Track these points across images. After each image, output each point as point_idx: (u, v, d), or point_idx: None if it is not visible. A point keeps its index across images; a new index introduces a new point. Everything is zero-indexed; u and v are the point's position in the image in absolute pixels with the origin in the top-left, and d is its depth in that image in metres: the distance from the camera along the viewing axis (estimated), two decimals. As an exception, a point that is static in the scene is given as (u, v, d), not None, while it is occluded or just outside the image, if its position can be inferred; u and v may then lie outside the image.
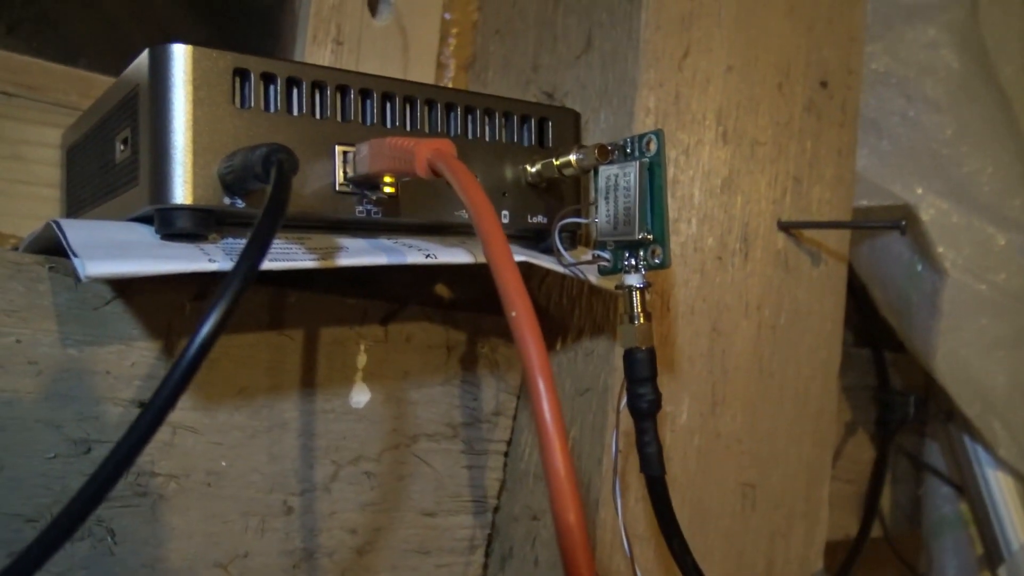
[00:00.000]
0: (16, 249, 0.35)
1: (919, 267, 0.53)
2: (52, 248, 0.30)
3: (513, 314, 0.20)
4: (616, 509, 0.31)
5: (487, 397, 0.41)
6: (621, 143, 0.30)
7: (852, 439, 0.59)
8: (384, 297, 0.38)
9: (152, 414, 0.21)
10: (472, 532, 0.41)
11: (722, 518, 0.41)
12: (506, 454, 0.42)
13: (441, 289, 0.45)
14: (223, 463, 0.34)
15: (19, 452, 0.30)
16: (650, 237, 0.29)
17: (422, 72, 0.48)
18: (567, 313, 0.40)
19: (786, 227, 0.43)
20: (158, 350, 0.33)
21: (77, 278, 0.26)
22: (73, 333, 0.31)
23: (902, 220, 0.40)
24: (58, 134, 0.37)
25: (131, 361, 0.32)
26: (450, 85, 0.49)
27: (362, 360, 0.37)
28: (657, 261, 0.29)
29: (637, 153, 0.29)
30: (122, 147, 0.28)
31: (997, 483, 0.54)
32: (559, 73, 0.43)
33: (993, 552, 0.55)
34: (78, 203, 0.34)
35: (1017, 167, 0.60)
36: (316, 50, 0.45)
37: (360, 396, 0.37)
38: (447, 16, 0.49)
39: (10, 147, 0.37)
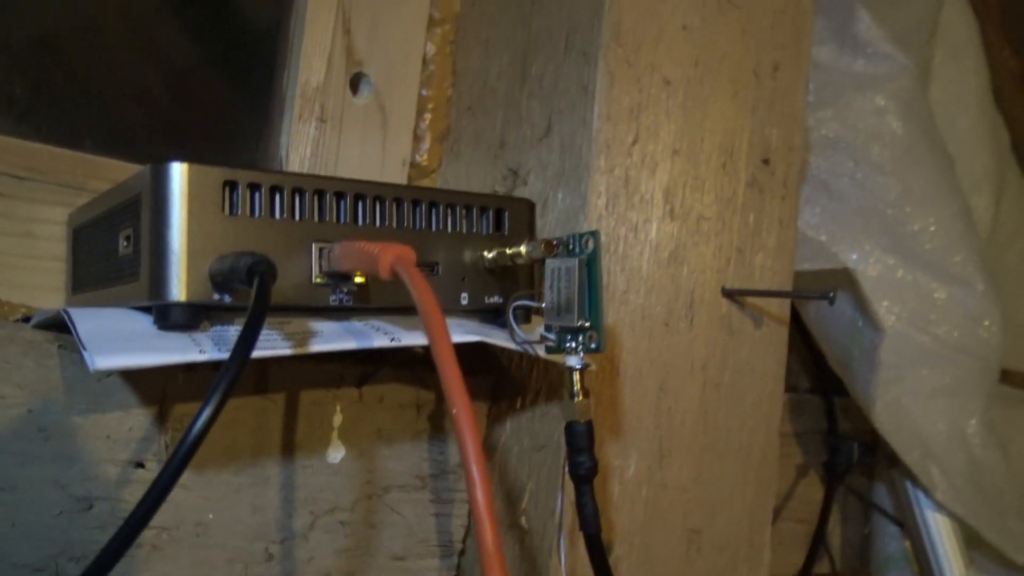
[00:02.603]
0: (27, 319, 0.39)
1: (860, 324, 0.57)
2: (59, 323, 0.34)
3: (454, 411, 0.24)
4: (560, 559, 0.35)
5: (453, 451, 0.45)
6: (565, 239, 0.34)
7: (803, 481, 0.63)
8: (360, 360, 0.42)
9: (157, 490, 0.24)
10: (439, 574, 0.45)
11: (669, 562, 0.45)
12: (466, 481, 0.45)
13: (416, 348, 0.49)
14: (210, 515, 0.38)
15: (29, 509, 0.34)
16: (587, 325, 0.33)
17: (399, 144, 0.53)
18: (527, 375, 0.44)
19: (730, 294, 0.47)
20: (153, 415, 0.36)
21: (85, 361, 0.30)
22: (78, 403, 0.35)
23: (832, 291, 0.44)
24: (65, 212, 0.41)
25: (128, 426, 0.36)
26: (425, 156, 0.53)
27: (338, 419, 0.41)
28: (593, 346, 0.33)
29: (578, 250, 0.33)
30: (125, 243, 0.32)
31: (936, 524, 0.58)
32: (523, 152, 0.47)
33: (931, 589, 0.59)
34: (82, 281, 0.38)
35: (958, 225, 0.65)
36: (302, 127, 0.49)
37: (336, 453, 0.41)
38: (424, 92, 0.53)
39: (22, 225, 0.41)
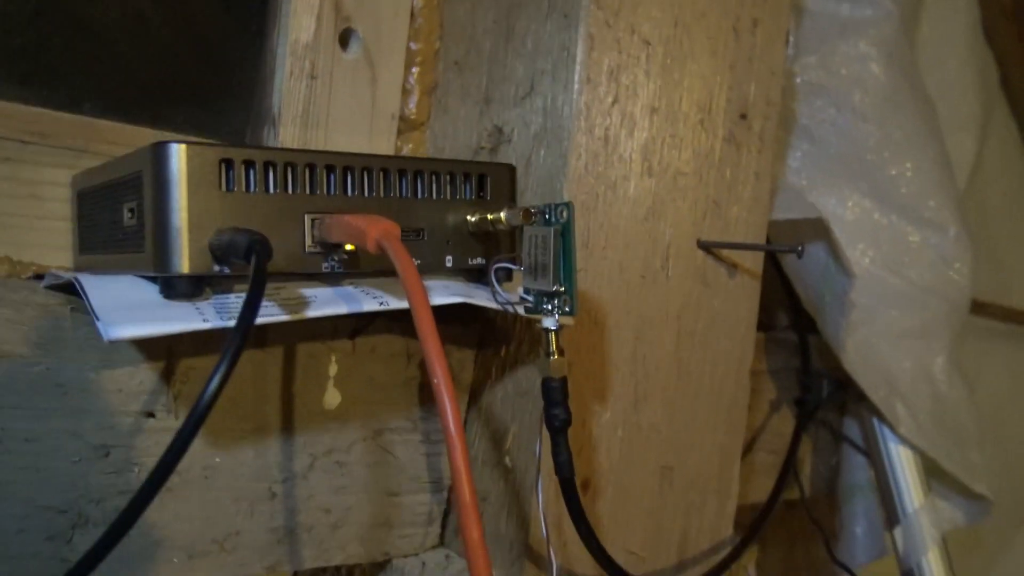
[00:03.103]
0: (37, 277, 0.41)
1: (832, 270, 0.60)
2: (69, 287, 0.36)
3: (435, 380, 0.27)
4: (539, 499, 0.39)
5: (442, 395, 0.48)
6: (542, 208, 0.36)
7: (776, 415, 0.66)
8: (353, 315, 0.45)
9: (175, 448, 0.27)
10: (429, 508, 0.48)
11: (643, 497, 0.49)
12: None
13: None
14: (217, 459, 0.41)
15: (51, 457, 0.37)
16: (562, 290, 0.35)
17: (388, 99, 0.54)
18: (511, 326, 0.47)
19: (705, 246, 0.50)
20: (161, 369, 0.39)
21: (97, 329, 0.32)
22: (91, 360, 0.37)
23: (800, 246, 0.46)
24: (68, 174, 0.43)
25: (139, 380, 0.39)
26: (414, 110, 0.55)
27: (333, 369, 0.44)
28: (567, 309, 0.35)
29: (553, 219, 0.36)
30: (129, 215, 0.34)
31: (898, 456, 0.62)
32: (507, 110, 0.49)
33: (892, 515, 0.63)
34: (89, 244, 0.40)
35: (935, 170, 0.67)
36: (293, 84, 0.51)
37: (332, 399, 0.44)
38: (412, 46, 0.55)
39: (28, 188, 0.43)
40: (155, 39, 0.48)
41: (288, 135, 0.51)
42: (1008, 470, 0.82)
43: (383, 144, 0.54)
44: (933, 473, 0.64)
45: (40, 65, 0.44)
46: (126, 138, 0.45)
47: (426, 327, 0.28)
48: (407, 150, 0.55)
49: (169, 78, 0.49)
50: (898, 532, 0.62)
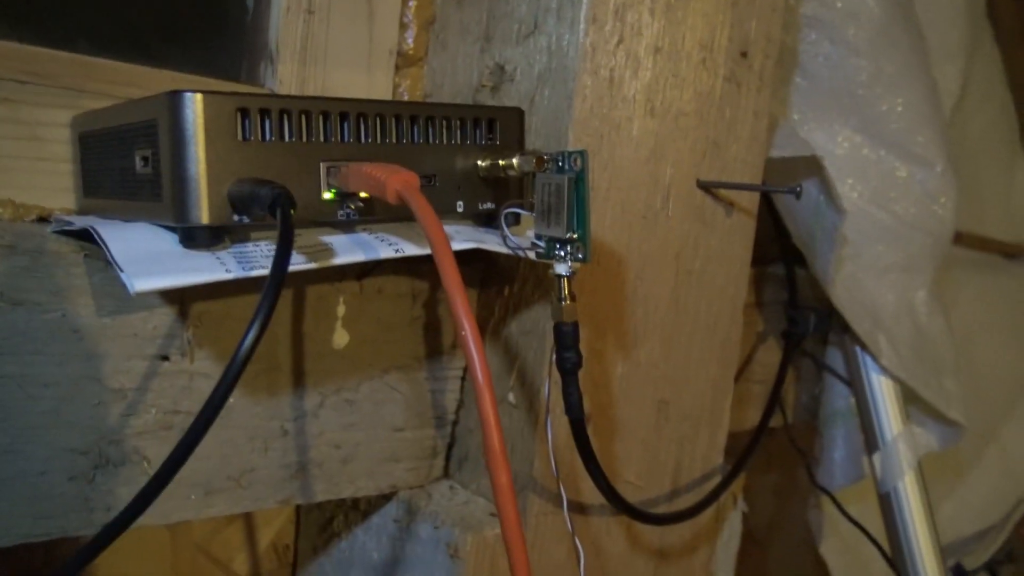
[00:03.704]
0: (41, 220, 0.41)
1: (824, 207, 0.61)
2: (79, 232, 0.36)
3: (463, 332, 0.28)
4: (548, 436, 0.40)
5: (446, 333, 0.49)
6: (555, 156, 0.37)
7: (763, 347, 0.68)
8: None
9: (216, 399, 0.28)
10: (435, 442, 0.50)
11: (639, 429, 0.51)
12: (463, 378, 0.50)
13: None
14: (231, 400, 0.42)
15: (71, 401, 0.38)
16: (575, 236, 0.36)
17: (386, 33, 0.53)
18: (514, 266, 0.48)
19: (704, 186, 0.50)
20: (175, 313, 0.40)
21: (119, 276, 0.32)
22: (106, 305, 0.38)
23: (798, 186, 0.47)
24: (68, 115, 0.43)
25: (153, 324, 0.39)
26: (412, 45, 0.54)
27: (341, 311, 0.45)
28: (580, 256, 0.36)
29: (567, 168, 0.36)
30: (142, 163, 0.34)
31: (879, 385, 0.65)
32: (509, 48, 0.48)
33: (871, 441, 0.65)
34: (96, 188, 0.40)
35: (924, 106, 0.67)
36: (290, 19, 0.50)
37: (340, 339, 0.45)
38: (409, -22, 0.53)
39: (28, 129, 0.42)
40: (149, -28, 0.47)
41: (286, 71, 0.50)
42: (978, 394, 0.85)
43: (381, 80, 0.53)
44: (910, 401, 0.66)
45: (32, 2, 0.43)
46: (125, 77, 0.44)
47: (452, 280, 0.28)
48: (405, 87, 0.54)
49: (164, 14, 0.48)
50: (877, 458, 0.64)
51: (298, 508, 0.60)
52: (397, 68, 0.54)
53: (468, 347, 0.28)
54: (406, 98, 0.54)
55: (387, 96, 0.54)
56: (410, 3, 0.54)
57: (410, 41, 0.54)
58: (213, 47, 0.50)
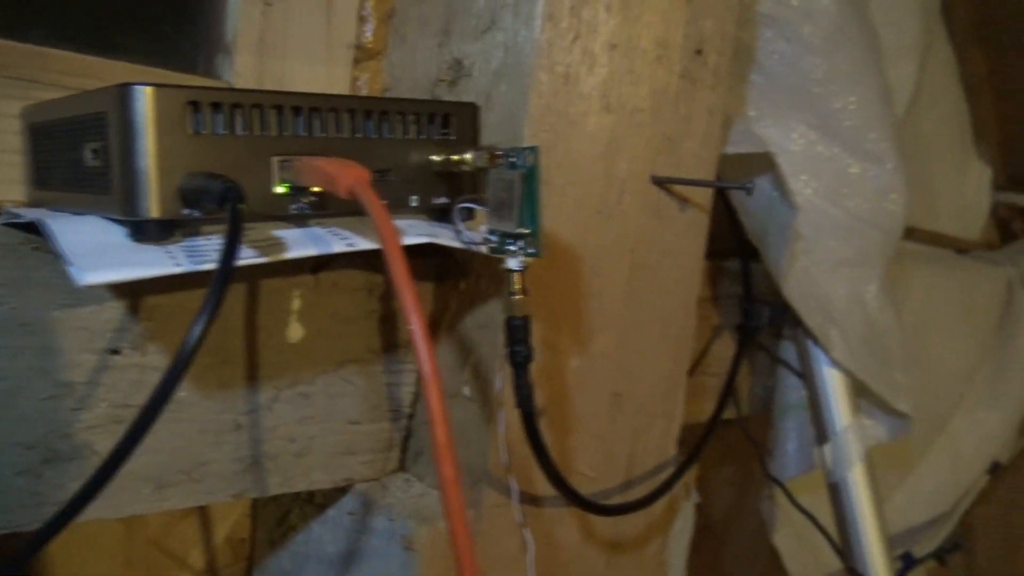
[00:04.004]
0: (-9, 212, 0.40)
1: (777, 202, 0.62)
2: (27, 224, 0.36)
3: (411, 327, 0.28)
4: (499, 429, 0.41)
5: (402, 327, 0.49)
6: (507, 152, 0.37)
7: (719, 340, 0.70)
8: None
9: (162, 392, 0.28)
10: (390, 435, 0.50)
11: (593, 421, 0.51)
12: (418, 372, 0.50)
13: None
14: (183, 393, 0.42)
15: (20, 395, 0.37)
16: (526, 232, 0.36)
17: (344, 26, 0.53)
18: (470, 260, 0.48)
19: (659, 182, 0.51)
20: (126, 307, 0.39)
21: (66, 267, 0.32)
22: (56, 299, 0.37)
23: (750, 183, 0.48)
24: (18, 105, 0.42)
25: (104, 318, 0.39)
26: (371, 38, 0.54)
27: (296, 304, 0.45)
28: (531, 251, 0.36)
29: (519, 164, 0.36)
30: (92, 155, 0.34)
31: (830, 378, 0.66)
32: (467, 43, 0.49)
33: (822, 433, 0.67)
34: (45, 180, 0.40)
35: (876, 104, 0.69)
36: (248, 10, 0.49)
37: (295, 333, 0.45)
38: (367, -29, 0.53)
39: (-23, 119, 0.42)
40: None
41: (243, 64, 0.50)
42: (928, 386, 0.87)
43: (340, 74, 0.53)
44: (861, 393, 0.68)
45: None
46: (79, 68, 0.44)
47: (401, 276, 0.29)
48: (364, 80, 0.54)
49: (121, 5, 0.47)
50: (827, 448, 0.66)
51: (254, 502, 0.60)
52: (356, 61, 0.54)
53: (416, 341, 0.28)
54: (365, 91, 0.54)
55: (346, 89, 0.54)
56: (368, -4, 0.54)
57: (369, 34, 0.54)
58: (170, 38, 0.50)
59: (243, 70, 0.49)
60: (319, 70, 0.52)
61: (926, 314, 0.90)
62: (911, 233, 1.00)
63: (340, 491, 0.51)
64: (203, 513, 0.61)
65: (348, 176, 0.32)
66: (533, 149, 0.36)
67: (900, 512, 0.92)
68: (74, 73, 0.43)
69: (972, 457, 0.96)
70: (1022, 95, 1.05)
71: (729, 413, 0.70)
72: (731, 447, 0.83)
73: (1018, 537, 1.22)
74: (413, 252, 0.45)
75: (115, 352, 0.40)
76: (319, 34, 0.52)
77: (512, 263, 0.37)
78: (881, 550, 0.65)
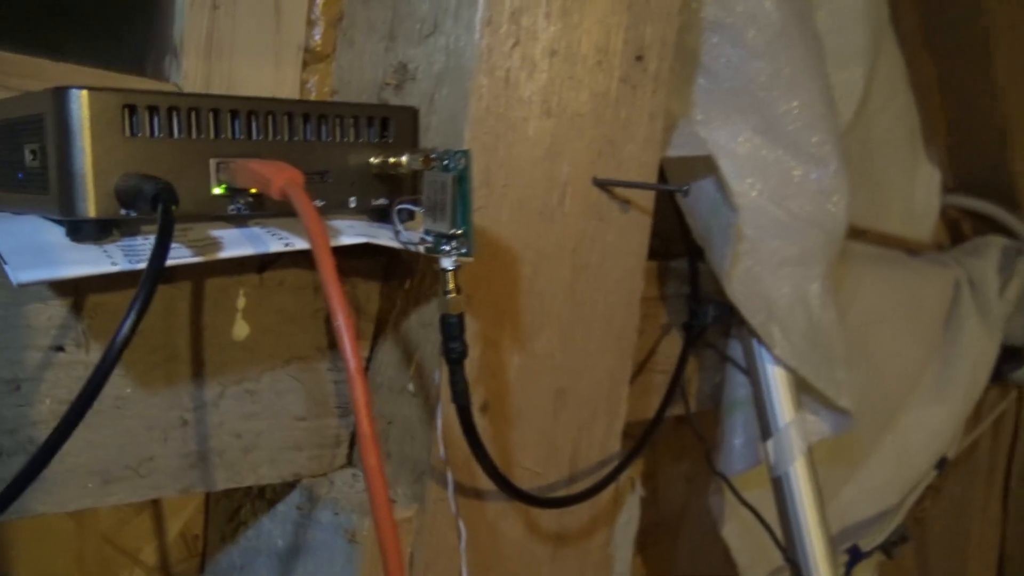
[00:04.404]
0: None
1: (720, 204, 0.63)
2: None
3: (336, 323, 0.29)
4: (437, 424, 0.42)
5: (349, 325, 0.50)
6: (441, 155, 0.38)
7: (667, 338, 0.71)
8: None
9: (91, 387, 0.29)
10: (338, 431, 0.51)
11: (537, 417, 0.53)
12: (366, 369, 0.51)
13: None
14: (128, 390, 0.43)
15: (-39, 392, 0.38)
16: (459, 232, 0.37)
17: (293, 29, 0.54)
18: (415, 259, 0.49)
19: (600, 184, 0.53)
20: (69, 305, 0.40)
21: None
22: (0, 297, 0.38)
23: (686, 187, 0.50)
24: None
25: (47, 315, 0.40)
26: (319, 41, 0.55)
27: (242, 302, 0.46)
28: (463, 251, 0.38)
29: (452, 166, 0.38)
30: (31, 156, 0.35)
31: (773, 374, 0.68)
32: (411, 47, 0.50)
33: (766, 428, 0.69)
34: (-13, 179, 0.40)
35: (819, 107, 0.71)
36: (195, 13, 0.50)
37: (241, 331, 0.46)
38: (316, -25, 0.54)
39: (-80, 120, 0.42)
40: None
41: (191, 66, 0.51)
42: (876, 383, 0.90)
43: (289, 76, 0.54)
44: (804, 389, 0.70)
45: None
46: (24, 69, 0.44)
47: (328, 272, 0.30)
48: (313, 82, 0.55)
49: (69, 6, 0.48)
50: (770, 443, 0.68)
51: (207, 498, 0.61)
52: (305, 64, 0.55)
53: (341, 338, 0.29)
54: (314, 93, 0.55)
55: (295, 91, 0.55)
56: (317, 0, 0.55)
57: (318, 37, 0.55)
58: (118, 40, 0.51)
59: (191, 72, 0.50)
60: (268, 72, 0.53)
61: (874, 313, 0.92)
62: (863, 234, 1.02)
63: (290, 486, 0.52)
64: (156, 509, 0.61)
65: (280, 178, 0.33)
66: (465, 153, 0.37)
67: (849, 506, 0.94)
68: (19, 74, 0.44)
69: (919, 452, 0.99)
70: (969, 101, 1.08)
71: (679, 409, 0.72)
72: (686, 443, 0.85)
73: (968, 530, 1.26)
74: (360, 252, 0.46)
75: (59, 349, 0.40)
76: (268, 37, 0.53)
77: (446, 263, 0.38)
78: (822, 543, 0.67)
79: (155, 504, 0.61)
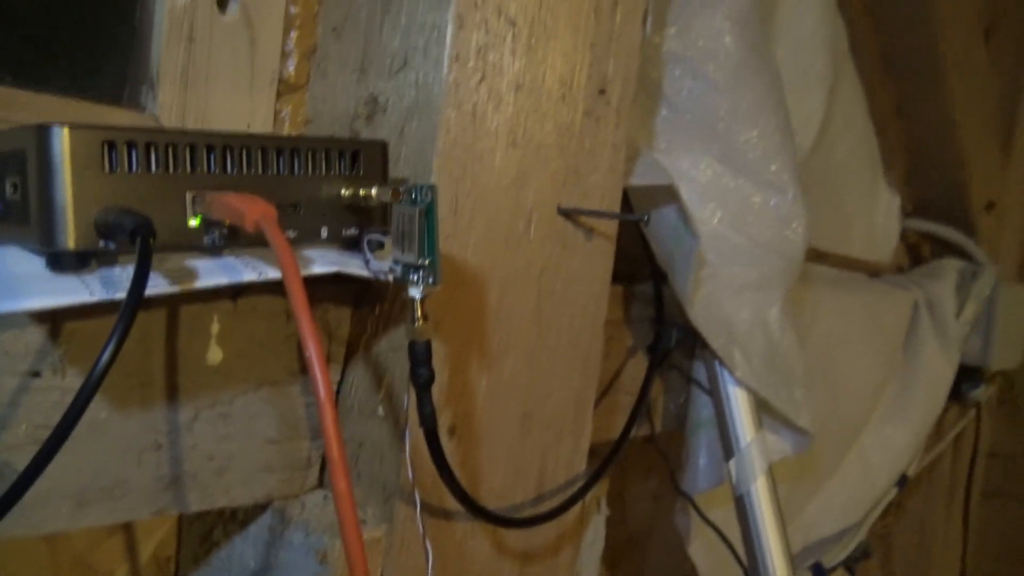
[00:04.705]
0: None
1: (681, 231, 0.66)
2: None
3: (307, 354, 0.31)
4: (405, 445, 0.43)
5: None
6: (409, 188, 0.40)
7: (632, 360, 0.73)
8: (233, 276, 0.47)
9: (73, 412, 0.30)
10: (309, 453, 0.52)
11: (504, 439, 0.54)
12: (337, 392, 0.53)
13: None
14: (103, 414, 0.44)
15: (-61, 417, 0.39)
16: (426, 263, 0.39)
17: (267, 61, 0.56)
18: (385, 286, 0.51)
19: (565, 212, 0.54)
20: (47, 331, 0.41)
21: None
22: (-24, 324, 0.39)
23: (646, 215, 0.52)
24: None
25: (24, 342, 0.41)
26: (293, 73, 0.56)
27: (215, 328, 0.47)
28: (430, 280, 0.39)
29: (419, 200, 0.39)
30: (12, 189, 0.36)
31: (734, 395, 0.70)
32: (382, 81, 0.51)
33: (728, 448, 0.71)
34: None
35: (777, 137, 0.73)
36: (171, 47, 0.52)
37: (215, 356, 0.47)
38: (292, 9, 0.56)
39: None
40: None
41: (167, 97, 0.52)
42: (836, 404, 0.92)
43: (263, 106, 0.56)
44: (764, 410, 0.72)
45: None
46: (1, 100, 0.45)
47: (300, 308, 0.31)
48: (287, 112, 0.57)
49: (45, 37, 0.49)
50: (733, 463, 0.70)
51: (180, 519, 0.62)
52: (279, 95, 0.57)
53: (312, 367, 0.31)
54: (287, 123, 0.57)
55: (269, 121, 0.56)
56: (292, 33, 0.56)
57: (291, 69, 0.57)
58: (95, 72, 0.52)
59: (167, 102, 0.52)
60: (242, 102, 0.55)
61: (835, 335, 0.95)
62: (824, 257, 1.05)
63: (262, 508, 0.53)
64: (129, 531, 0.62)
65: (255, 212, 0.34)
66: (432, 187, 0.39)
67: (812, 524, 0.96)
68: (-2, 106, 0.45)
69: (881, 471, 1.02)
70: (925, 127, 1.12)
71: (645, 430, 0.74)
72: (654, 463, 0.87)
73: (930, 546, 1.28)
74: (332, 278, 0.48)
75: (36, 375, 0.41)
76: (243, 68, 0.55)
77: (414, 291, 0.40)
78: (783, 561, 0.69)
79: (128, 526, 0.62)
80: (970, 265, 1.13)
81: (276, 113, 0.57)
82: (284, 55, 0.56)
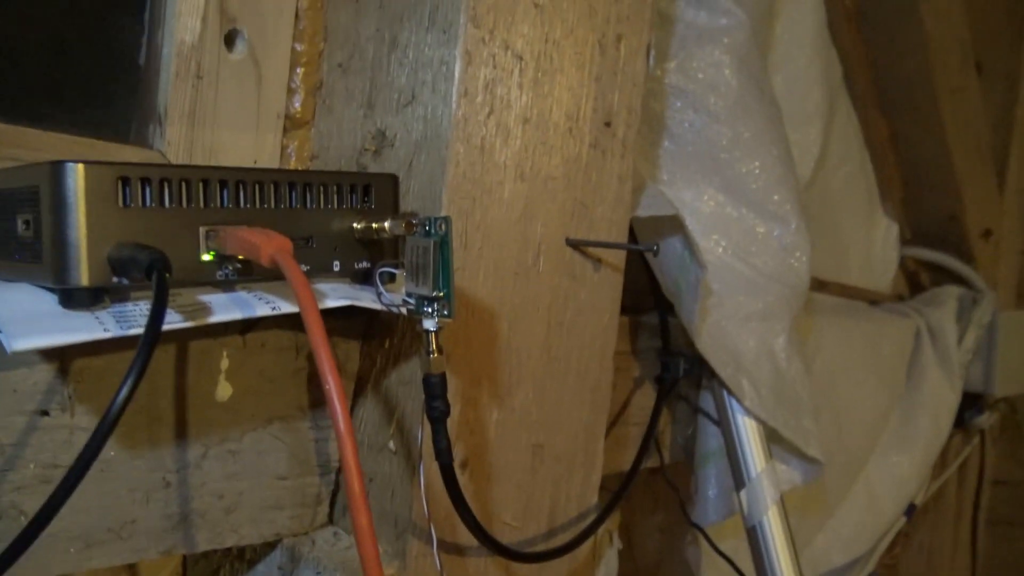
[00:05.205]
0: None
1: (687, 261, 0.66)
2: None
3: (327, 387, 0.30)
4: (420, 481, 0.43)
5: (330, 384, 0.51)
6: (422, 221, 0.40)
7: (639, 391, 0.73)
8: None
9: (88, 453, 0.30)
10: (319, 489, 0.52)
11: (516, 473, 0.54)
12: (346, 427, 0.52)
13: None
14: (111, 453, 0.43)
15: (-53, 458, 0.38)
16: (441, 295, 0.39)
17: (274, 98, 0.56)
18: (394, 319, 0.50)
19: (573, 244, 0.54)
20: (56, 369, 0.41)
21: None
22: (-15, 363, 0.39)
23: (655, 245, 0.52)
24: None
25: (33, 380, 0.40)
26: (299, 108, 0.57)
27: (224, 364, 0.47)
28: (445, 312, 0.39)
29: (433, 232, 0.39)
30: (24, 226, 0.36)
31: (744, 425, 0.69)
32: (390, 115, 0.52)
33: (738, 478, 0.70)
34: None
35: (779, 168, 0.74)
36: (179, 84, 0.52)
37: (224, 392, 0.47)
38: (297, 47, 0.56)
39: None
40: (38, 36, 0.49)
41: (175, 134, 0.52)
42: (841, 434, 0.92)
43: (270, 141, 0.56)
44: (773, 440, 0.71)
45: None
46: (10, 139, 0.45)
47: (318, 337, 0.31)
48: (293, 147, 0.57)
49: (54, 75, 0.50)
50: (744, 493, 0.69)
51: (185, 559, 0.61)
52: (285, 130, 0.57)
53: (331, 401, 0.30)
54: (293, 158, 0.57)
55: (275, 156, 0.57)
56: (298, 69, 0.57)
57: (297, 105, 0.57)
58: (104, 110, 0.52)
59: (174, 139, 0.52)
60: (249, 138, 0.55)
61: (839, 363, 0.95)
62: (824, 286, 1.05)
63: (270, 546, 0.52)
64: (133, 571, 0.61)
65: (270, 246, 0.34)
66: (446, 219, 0.39)
67: (822, 555, 0.95)
68: (6, 143, 0.45)
69: (888, 500, 1.01)
70: (919, 157, 1.12)
71: (654, 461, 0.73)
72: (661, 495, 0.86)
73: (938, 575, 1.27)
74: (340, 312, 0.48)
75: (44, 413, 0.41)
76: (249, 105, 0.55)
77: (428, 324, 0.40)
78: (796, 589, 0.68)
79: (131, 565, 0.61)
80: (969, 292, 1.13)
81: (282, 148, 0.57)
82: (290, 91, 0.57)
